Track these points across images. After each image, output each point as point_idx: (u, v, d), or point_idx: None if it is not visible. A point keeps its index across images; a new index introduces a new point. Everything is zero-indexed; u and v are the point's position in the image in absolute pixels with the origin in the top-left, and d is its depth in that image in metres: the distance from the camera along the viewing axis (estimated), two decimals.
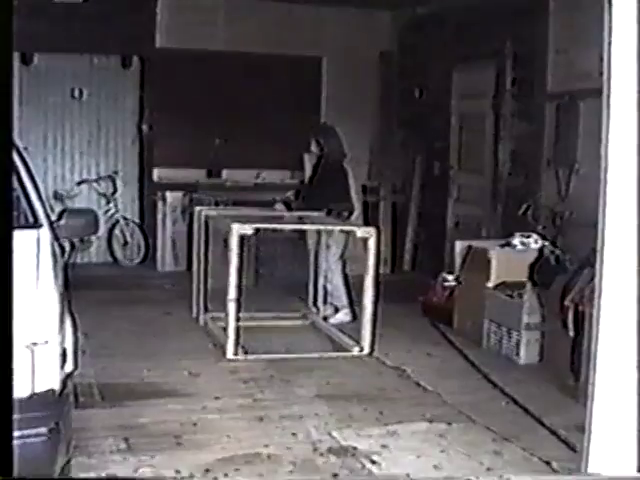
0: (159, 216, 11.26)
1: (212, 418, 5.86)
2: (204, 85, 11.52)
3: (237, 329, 7.23)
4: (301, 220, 8.57)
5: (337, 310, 8.75)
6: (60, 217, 5.13)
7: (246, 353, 7.24)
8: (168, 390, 6.41)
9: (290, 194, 9.07)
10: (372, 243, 7.37)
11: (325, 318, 8.67)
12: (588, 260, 6.55)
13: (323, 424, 5.81)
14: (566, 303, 6.52)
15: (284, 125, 11.61)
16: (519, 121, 9.78)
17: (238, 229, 7.08)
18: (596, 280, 4.21)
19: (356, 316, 8.49)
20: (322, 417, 5.96)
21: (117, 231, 11.36)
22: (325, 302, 8.79)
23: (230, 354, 7.17)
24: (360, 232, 7.50)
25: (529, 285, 7.45)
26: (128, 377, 6.66)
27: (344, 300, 8.72)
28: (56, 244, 4.78)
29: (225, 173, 11.91)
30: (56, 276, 4.20)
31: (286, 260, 10.14)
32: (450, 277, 9.32)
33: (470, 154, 10.71)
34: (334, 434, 5.63)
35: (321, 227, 8.23)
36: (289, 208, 8.81)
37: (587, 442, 4.34)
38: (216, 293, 8.29)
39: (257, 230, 7.23)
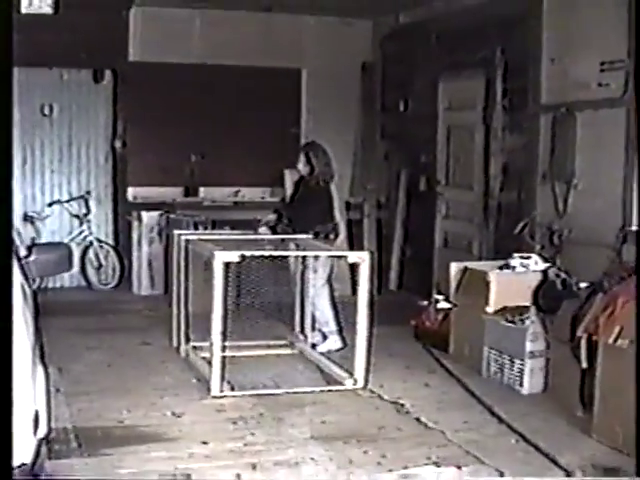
0: (134, 237, 10.78)
1: (201, 467, 5.33)
2: (179, 100, 11.08)
3: (223, 363, 6.71)
4: (285, 243, 8.12)
5: (325, 337, 8.26)
6: (29, 252, 4.61)
7: (232, 389, 6.72)
8: (150, 434, 5.88)
9: (271, 217, 8.49)
10: (365, 269, 6.87)
11: (313, 346, 8.17)
12: (601, 285, 6.13)
13: (322, 470, 5.32)
14: (579, 333, 6.04)
15: (263, 140, 11.32)
16: (511, 134, 9.34)
17: (223, 256, 6.56)
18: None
19: (346, 342, 8.05)
20: (320, 462, 5.46)
21: (91, 254, 10.82)
22: (313, 329, 8.29)
23: (216, 390, 6.65)
24: (352, 257, 7.00)
25: (533, 310, 6.98)
26: (106, 419, 6.11)
27: (332, 326, 8.23)
28: (26, 285, 4.25)
29: (202, 191, 11.42)
30: (27, 326, 3.68)
31: (268, 283, 9.61)
32: (440, 297, 8.89)
33: (459, 168, 10.25)
34: None
35: (313, 253, 7.71)
36: (273, 230, 8.30)
37: None
38: (196, 318, 7.84)
39: (243, 257, 6.71)
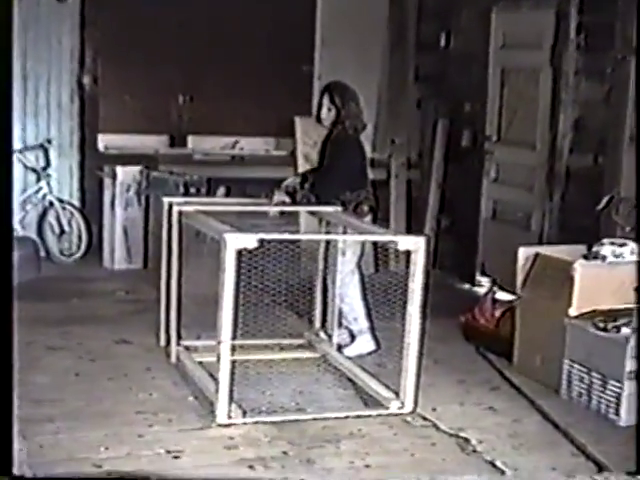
0: (106, 198, 9.95)
1: None
2: (164, 26, 10.34)
3: (231, 380, 5.75)
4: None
5: (353, 336, 7.35)
6: None
7: (244, 414, 5.76)
8: None
9: (291, 180, 7.56)
10: (420, 259, 5.89)
11: (339, 347, 7.24)
12: None
13: None
14: None
15: (268, 79, 10.61)
16: (588, 81, 8.40)
17: (236, 242, 5.56)
18: None
19: (379, 344, 7.24)
20: None
21: (51, 217, 9.98)
22: (340, 325, 7.36)
23: (223, 416, 5.68)
24: (404, 243, 5.99)
25: (638, 316, 6.04)
26: (78, 461, 5.13)
27: (363, 323, 7.31)
28: None
29: (191, 141, 10.67)
30: None
31: (273, 261, 8.71)
32: (485, 280, 8.10)
33: (516, 122, 9.33)
34: None
35: (350, 237, 6.76)
36: (292, 198, 7.33)
37: None
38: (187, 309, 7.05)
39: (261, 242, 5.71)
